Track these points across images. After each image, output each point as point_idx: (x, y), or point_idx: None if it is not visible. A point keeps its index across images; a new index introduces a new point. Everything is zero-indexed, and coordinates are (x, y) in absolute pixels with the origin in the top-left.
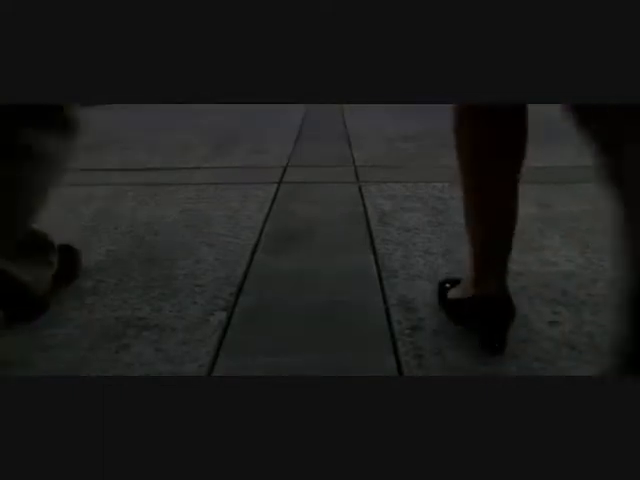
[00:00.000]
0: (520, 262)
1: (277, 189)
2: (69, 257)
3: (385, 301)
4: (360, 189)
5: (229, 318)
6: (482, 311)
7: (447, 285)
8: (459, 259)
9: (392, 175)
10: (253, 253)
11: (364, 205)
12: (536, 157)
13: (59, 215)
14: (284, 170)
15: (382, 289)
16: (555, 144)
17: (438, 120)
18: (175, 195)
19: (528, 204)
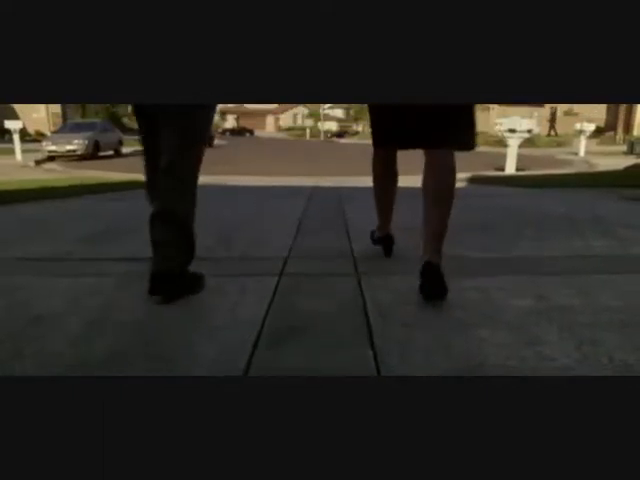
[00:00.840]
0: (518, 357)
1: (278, 282)
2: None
3: None
4: (359, 282)
5: None
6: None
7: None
8: (460, 352)
9: (391, 267)
10: (254, 347)
11: (363, 298)
12: (532, 248)
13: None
14: (284, 262)
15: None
16: (551, 235)
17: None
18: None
19: (524, 296)
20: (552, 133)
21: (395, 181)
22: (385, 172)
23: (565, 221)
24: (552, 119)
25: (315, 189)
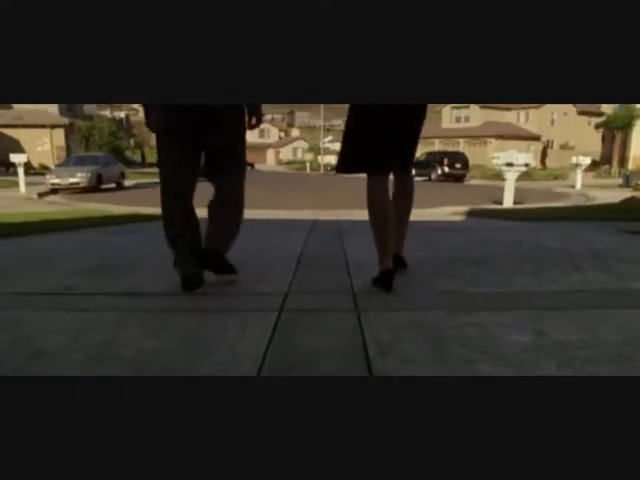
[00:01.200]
0: None
1: (278, 317)
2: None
3: None
4: (359, 317)
5: None
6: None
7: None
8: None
9: (390, 302)
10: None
11: (362, 334)
12: (531, 283)
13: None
14: (285, 297)
15: None
16: (549, 269)
17: (436, 247)
18: (176, 322)
19: (522, 331)
20: (541, 166)
21: (391, 205)
22: (385, 196)
23: (563, 255)
24: (543, 153)
25: (316, 222)
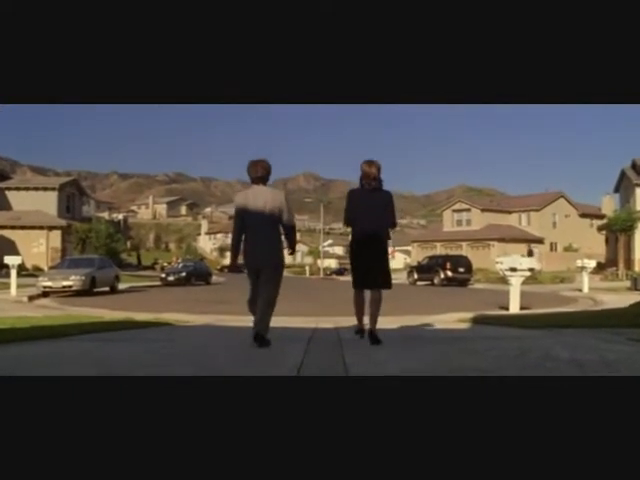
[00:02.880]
0: None
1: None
2: None
3: None
4: None
5: None
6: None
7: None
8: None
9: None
10: None
11: None
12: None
13: None
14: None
15: None
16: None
17: (434, 355)
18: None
19: None
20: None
21: (363, 302)
22: (360, 299)
23: (573, 367)
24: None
25: (315, 331)
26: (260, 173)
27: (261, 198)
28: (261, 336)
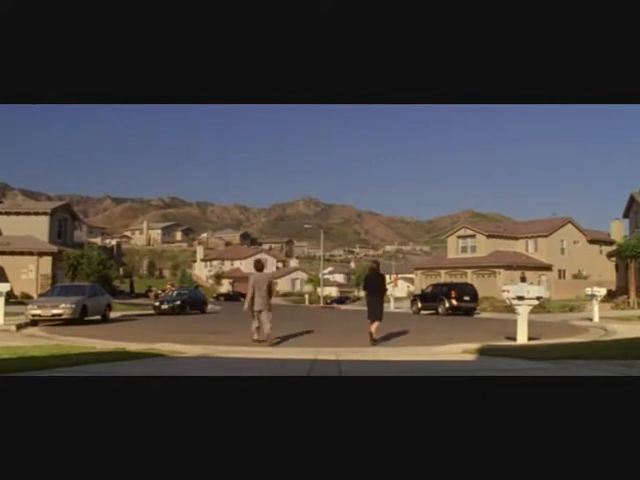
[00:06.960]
0: None
1: None
2: None
3: None
4: None
5: None
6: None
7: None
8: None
9: None
10: None
11: None
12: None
13: None
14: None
15: None
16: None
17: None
18: None
19: None
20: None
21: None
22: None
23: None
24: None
25: (315, 362)
26: (259, 267)
27: (261, 278)
28: None
